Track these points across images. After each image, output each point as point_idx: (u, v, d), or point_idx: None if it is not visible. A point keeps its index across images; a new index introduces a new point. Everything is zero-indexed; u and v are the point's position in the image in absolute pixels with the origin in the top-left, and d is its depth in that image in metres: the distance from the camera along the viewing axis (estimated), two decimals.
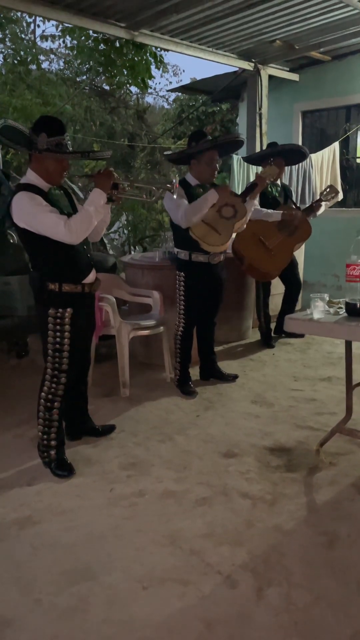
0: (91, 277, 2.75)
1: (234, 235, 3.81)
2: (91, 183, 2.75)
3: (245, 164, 5.70)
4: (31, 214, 2.48)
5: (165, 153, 3.96)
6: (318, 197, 4.77)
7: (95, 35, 5.87)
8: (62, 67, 9.48)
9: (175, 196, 3.26)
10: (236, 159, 5.64)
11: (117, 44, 5.81)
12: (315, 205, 4.71)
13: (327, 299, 2.65)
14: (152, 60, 5.89)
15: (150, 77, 6.01)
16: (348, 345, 2.67)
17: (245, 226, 3.74)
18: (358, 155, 6.60)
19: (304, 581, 1.96)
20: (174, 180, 2.79)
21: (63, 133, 2.53)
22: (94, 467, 2.80)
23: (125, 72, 5.86)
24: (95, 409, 3.42)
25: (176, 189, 2.91)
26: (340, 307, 2.59)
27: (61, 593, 1.92)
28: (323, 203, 4.72)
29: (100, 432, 3.14)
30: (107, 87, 9.43)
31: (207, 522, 2.31)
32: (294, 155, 4.94)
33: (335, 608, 1.84)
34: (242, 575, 1.99)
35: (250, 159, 5.15)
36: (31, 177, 2.57)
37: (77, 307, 2.68)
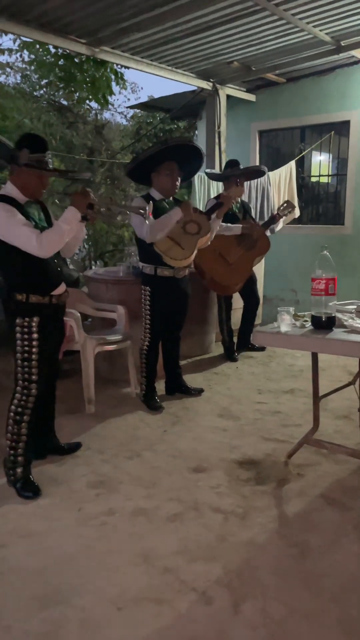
0: (60, 289, 2.76)
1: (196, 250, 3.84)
2: (50, 197, 2.75)
3: (207, 180, 5.80)
4: (5, 224, 2.49)
5: (124, 170, 3.94)
6: (276, 212, 4.89)
7: (54, 50, 5.86)
8: (18, 81, 9.41)
9: (148, 211, 3.19)
10: (197, 175, 5.71)
11: (77, 60, 5.81)
12: (273, 220, 4.83)
13: (293, 312, 2.70)
14: (113, 77, 5.93)
15: (111, 93, 6.04)
16: (314, 357, 2.73)
17: (209, 243, 3.78)
18: (313, 174, 6.83)
19: (278, 594, 1.97)
20: (147, 208, 2.83)
21: (45, 151, 2.58)
22: (61, 486, 2.73)
23: (86, 88, 5.86)
24: (60, 426, 3.33)
25: (149, 217, 2.94)
26: (306, 320, 2.64)
27: (32, 619, 1.85)
28: (281, 218, 4.85)
29: (66, 450, 3.08)
30: (65, 102, 9.41)
31: (180, 539, 2.29)
32: (253, 172, 5.07)
33: (310, 619, 1.85)
34: (217, 591, 1.98)
35: (214, 177, 5.24)
36: (9, 188, 2.59)
37: (44, 316, 2.68)
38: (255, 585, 2.01)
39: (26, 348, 2.64)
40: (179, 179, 3.65)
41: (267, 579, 2.04)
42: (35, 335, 2.64)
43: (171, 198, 3.70)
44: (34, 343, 2.64)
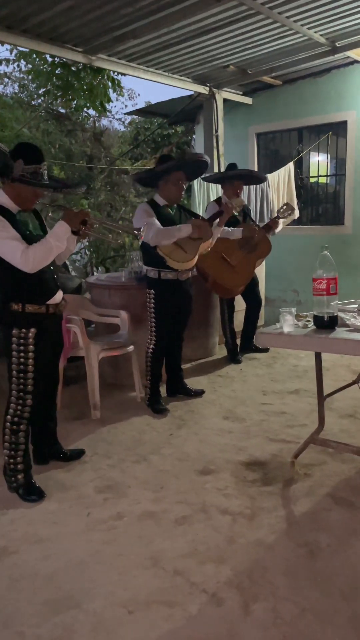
0: (57, 298, 2.73)
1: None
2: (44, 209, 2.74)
3: (205, 184, 5.82)
4: None
5: (132, 174, 4.02)
6: (275, 215, 4.91)
7: (51, 59, 5.90)
8: (16, 91, 9.48)
9: (142, 233, 3.14)
10: (196, 180, 5.74)
11: (74, 68, 5.85)
12: (273, 222, 4.85)
13: (295, 312, 2.71)
14: (110, 84, 5.97)
15: (109, 100, 6.07)
16: (318, 357, 2.74)
17: (209, 249, 3.81)
18: (311, 175, 6.85)
19: (289, 594, 1.97)
20: (142, 228, 2.86)
21: (40, 162, 2.51)
22: (69, 492, 2.74)
23: (83, 96, 5.90)
24: (66, 432, 3.36)
25: (144, 228, 2.97)
26: (309, 321, 2.65)
27: (44, 624, 1.86)
28: (280, 220, 4.87)
29: (68, 456, 3.08)
30: (62, 110, 9.48)
31: (189, 541, 2.29)
32: (252, 178, 5.10)
33: (321, 619, 1.85)
34: (227, 592, 1.98)
35: (210, 179, 5.27)
36: (2, 198, 2.55)
37: (41, 327, 2.66)
38: (266, 585, 2.01)
39: (22, 360, 2.61)
40: (184, 187, 3.72)
41: (277, 580, 2.04)
42: (31, 347, 2.61)
43: (174, 204, 3.75)
44: (30, 354, 2.62)
